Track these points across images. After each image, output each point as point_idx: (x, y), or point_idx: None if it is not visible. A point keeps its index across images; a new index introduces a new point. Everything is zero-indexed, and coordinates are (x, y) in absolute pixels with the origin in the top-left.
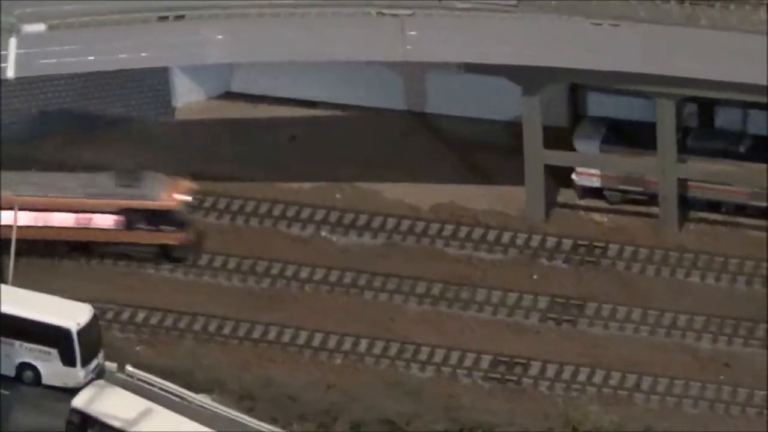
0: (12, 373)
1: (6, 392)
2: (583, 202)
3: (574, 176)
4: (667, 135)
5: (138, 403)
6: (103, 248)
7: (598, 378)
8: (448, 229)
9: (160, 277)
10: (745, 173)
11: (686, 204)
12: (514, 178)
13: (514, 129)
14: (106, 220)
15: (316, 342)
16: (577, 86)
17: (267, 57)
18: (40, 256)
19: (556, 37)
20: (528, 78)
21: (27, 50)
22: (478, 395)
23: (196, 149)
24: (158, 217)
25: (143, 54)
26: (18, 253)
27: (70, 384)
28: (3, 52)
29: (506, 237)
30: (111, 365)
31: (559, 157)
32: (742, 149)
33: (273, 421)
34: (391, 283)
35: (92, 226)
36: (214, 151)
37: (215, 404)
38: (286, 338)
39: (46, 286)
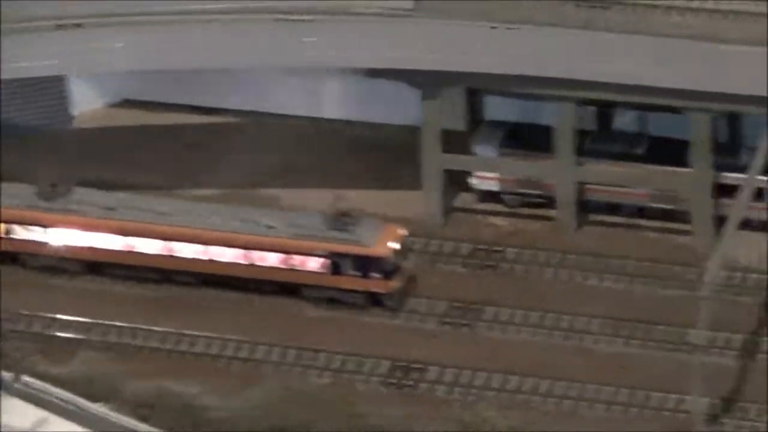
0: None
1: None
2: (481, 206)
3: (472, 180)
4: (564, 138)
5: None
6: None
7: (495, 382)
8: None
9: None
10: (644, 175)
11: (586, 207)
12: (413, 182)
13: (413, 133)
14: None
15: (214, 350)
16: (476, 90)
17: (168, 65)
18: None
19: (453, 41)
20: (426, 82)
21: None
22: (376, 401)
23: (95, 157)
24: (368, 264)
25: (44, 62)
26: None
27: None
28: None
29: (405, 241)
30: (7, 375)
31: (457, 161)
32: (640, 151)
33: (170, 430)
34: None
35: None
36: (112, 159)
37: (111, 412)
38: (183, 347)
39: None
